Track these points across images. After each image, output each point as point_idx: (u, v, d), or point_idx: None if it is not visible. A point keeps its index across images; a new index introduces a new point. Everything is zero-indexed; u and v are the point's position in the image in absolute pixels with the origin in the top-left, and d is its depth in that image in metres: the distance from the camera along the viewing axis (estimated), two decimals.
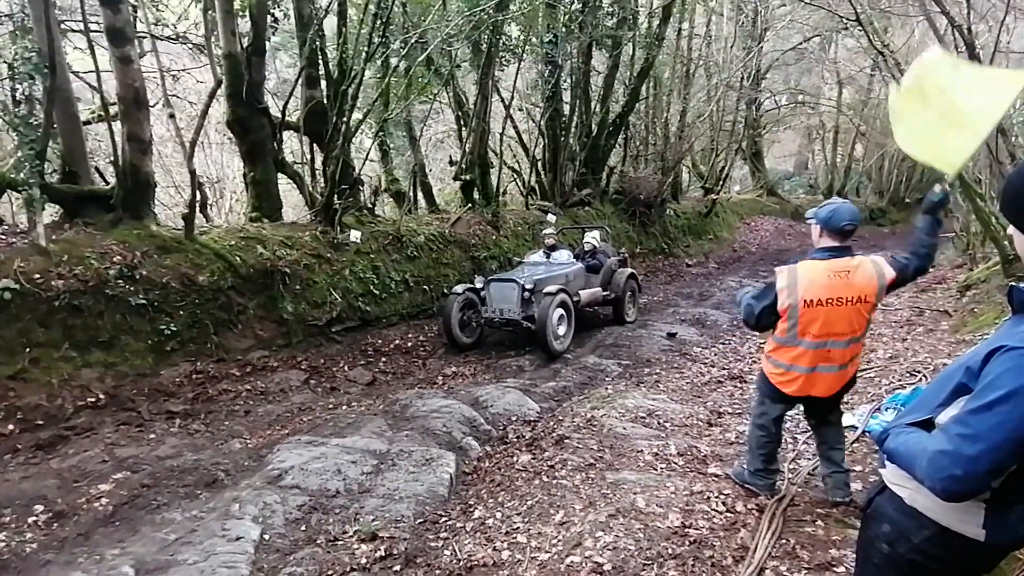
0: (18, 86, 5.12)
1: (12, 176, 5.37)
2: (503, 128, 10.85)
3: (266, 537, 3.24)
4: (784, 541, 2.85)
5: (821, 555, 2.71)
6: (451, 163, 11.53)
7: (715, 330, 8.04)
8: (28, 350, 4.62)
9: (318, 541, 3.26)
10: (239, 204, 11.35)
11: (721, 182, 17.97)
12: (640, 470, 3.66)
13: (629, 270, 8.78)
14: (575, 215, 12.23)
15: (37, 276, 4.77)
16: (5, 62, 5.17)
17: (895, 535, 1.56)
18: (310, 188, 8.10)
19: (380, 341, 7.40)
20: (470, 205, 10.28)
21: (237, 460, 4.28)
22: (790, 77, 21.96)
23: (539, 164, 12.38)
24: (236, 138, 8.06)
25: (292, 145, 9.94)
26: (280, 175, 8.36)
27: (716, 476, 3.57)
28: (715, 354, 6.83)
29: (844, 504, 3.13)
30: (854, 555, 2.21)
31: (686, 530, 2.90)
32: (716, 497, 3.25)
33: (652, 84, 14.68)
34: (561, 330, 6.97)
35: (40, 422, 4.45)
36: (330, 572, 2.96)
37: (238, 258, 6.23)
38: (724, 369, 6.14)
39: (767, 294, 2.98)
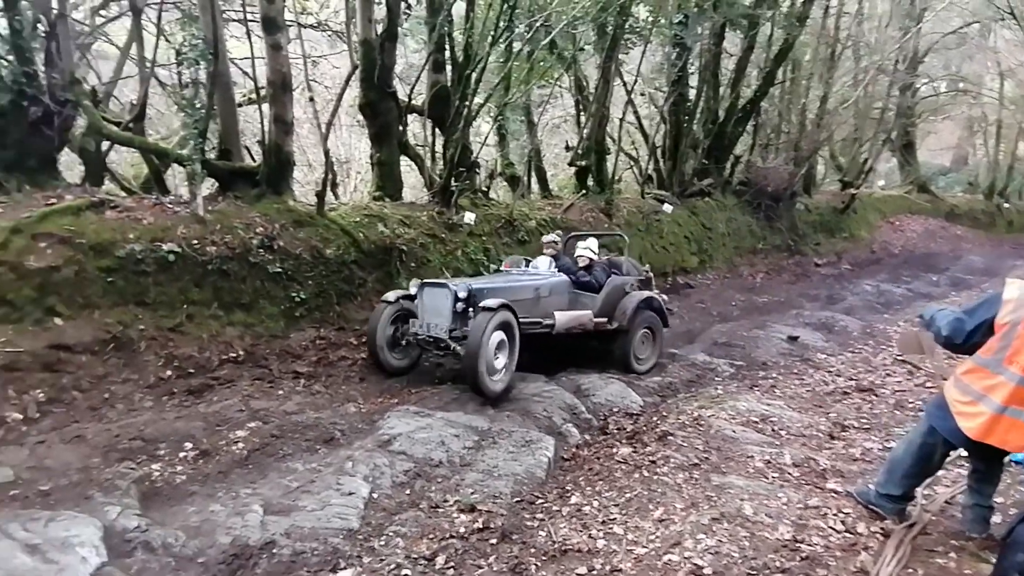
0: (184, 71, 5.70)
1: (178, 152, 6.08)
2: (623, 113, 10.57)
3: (375, 496, 3.45)
4: (910, 570, 2.58)
5: None
6: (567, 148, 11.44)
7: (844, 337, 7.38)
8: (185, 307, 5.24)
9: (421, 506, 3.42)
10: (364, 183, 12.04)
11: (863, 175, 16.33)
12: (749, 476, 3.46)
13: (647, 293, 6.38)
14: (693, 205, 11.70)
15: (195, 242, 5.37)
16: (174, 48, 5.76)
17: None
18: (429, 170, 8.40)
19: None
20: (584, 191, 10.17)
21: (352, 422, 4.58)
22: (951, 62, 19.33)
23: (658, 151, 11.94)
24: (366, 120, 8.50)
25: (415, 128, 10.35)
26: (403, 157, 8.74)
27: (836, 492, 3.30)
28: (842, 363, 6.28)
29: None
30: None
31: (797, 544, 2.71)
32: (834, 515, 3.00)
33: (790, 67, 13.59)
34: (500, 362, 5.01)
35: (192, 371, 5.03)
36: (431, 536, 3.09)
37: (361, 234, 6.63)
38: (852, 380, 5.63)
39: (987, 307, 2.59)
